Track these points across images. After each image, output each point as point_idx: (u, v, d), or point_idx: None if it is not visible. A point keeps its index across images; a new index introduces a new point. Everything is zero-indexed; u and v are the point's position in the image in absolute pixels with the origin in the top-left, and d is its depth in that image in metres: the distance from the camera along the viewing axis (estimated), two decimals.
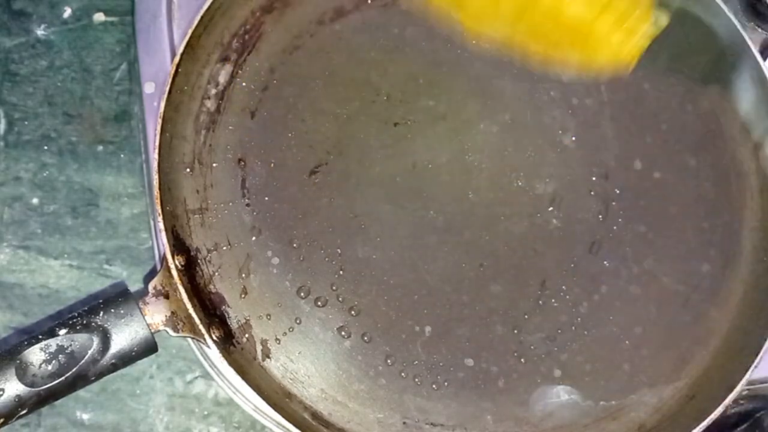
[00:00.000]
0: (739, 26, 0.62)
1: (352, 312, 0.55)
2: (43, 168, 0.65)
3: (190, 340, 0.57)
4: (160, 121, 0.53)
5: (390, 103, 0.60)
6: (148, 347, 0.50)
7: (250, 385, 0.50)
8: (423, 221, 0.58)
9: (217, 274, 0.55)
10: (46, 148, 0.65)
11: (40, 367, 0.48)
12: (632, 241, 0.59)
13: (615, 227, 0.59)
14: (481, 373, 0.55)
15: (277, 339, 0.54)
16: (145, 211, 0.64)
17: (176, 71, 0.54)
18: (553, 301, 0.57)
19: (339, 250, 0.56)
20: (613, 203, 0.59)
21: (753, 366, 0.54)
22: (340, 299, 0.55)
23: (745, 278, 0.59)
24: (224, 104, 0.58)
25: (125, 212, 0.64)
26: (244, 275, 0.55)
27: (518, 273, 0.57)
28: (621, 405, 0.55)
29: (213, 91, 0.58)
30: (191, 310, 0.50)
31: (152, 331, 0.50)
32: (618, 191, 0.60)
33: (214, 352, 0.50)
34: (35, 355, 0.48)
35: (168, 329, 0.51)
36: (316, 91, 0.59)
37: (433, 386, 0.54)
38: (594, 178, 0.60)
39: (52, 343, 0.48)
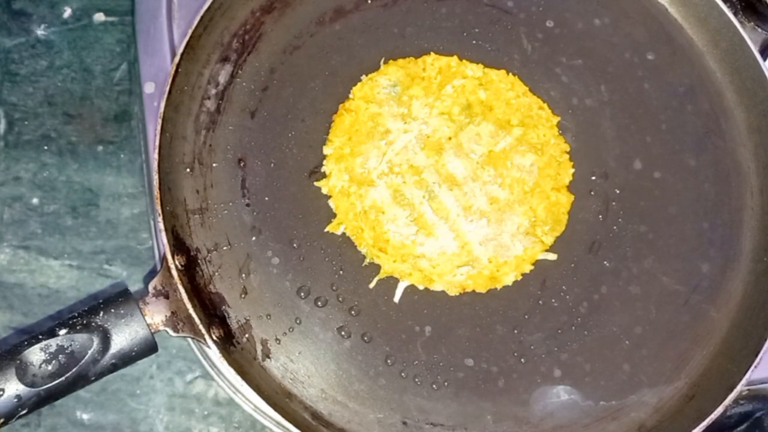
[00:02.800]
0: (739, 26, 0.62)
1: (352, 312, 0.55)
2: (43, 168, 0.65)
3: (190, 340, 0.57)
4: (160, 121, 0.53)
5: None
6: (148, 347, 0.50)
7: (250, 385, 0.50)
8: None
9: (217, 274, 0.55)
10: (46, 148, 0.65)
11: (40, 367, 0.48)
12: (632, 241, 0.59)
13: (615, 227, 0.59)
14: (481, 373, 0.55)
15: (277, 339, 0.54)
16: (145, 211, 0.64)
17: (176, 71, 0.54)
18: (553, 301, 0.57)
19: (339, 250, 0.56)
20: (613, 203, 0.59)
21: (753, 366, 0.54)
22: (340, 299, 0.55)
23: (745, 278, 0.59)
24: (224, 104, 0.58)
25: (125, 212, 0.64)
26: (244, 275, 0.55)
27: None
28: (621, 405, 0.55)
29: (213, 91, 0.58)
30: (191, 310, 0.50)
31: (152, 331, 0.50)
32: (618, 191, 0.60)
33: (214, 352, 0.50)
34: (35, 355, 0.48)
35: (168, 329, 0.51)
36: (316, 91, 0.59)
37: (433, 386, 0.54)
38: (594, 178, 0.60)
39: (52, 343, 0.48)
